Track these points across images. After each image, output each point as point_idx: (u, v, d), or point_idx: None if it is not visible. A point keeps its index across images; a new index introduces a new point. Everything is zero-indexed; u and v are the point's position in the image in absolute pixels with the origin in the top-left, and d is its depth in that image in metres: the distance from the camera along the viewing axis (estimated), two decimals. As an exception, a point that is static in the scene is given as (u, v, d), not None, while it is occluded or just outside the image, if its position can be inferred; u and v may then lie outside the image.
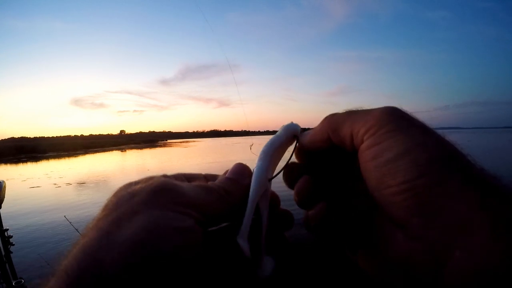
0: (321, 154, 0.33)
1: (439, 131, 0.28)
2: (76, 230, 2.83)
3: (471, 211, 0.21)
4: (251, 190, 0.32)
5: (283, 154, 0.34)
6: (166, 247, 0.23)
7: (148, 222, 0.24)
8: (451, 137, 0.28)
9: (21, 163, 24.16)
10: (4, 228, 1.87)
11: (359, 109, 0.31)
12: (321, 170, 0.33)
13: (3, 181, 1.85)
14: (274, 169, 0.34)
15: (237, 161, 0.34)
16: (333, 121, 0.31)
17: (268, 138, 0.34)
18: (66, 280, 0.21)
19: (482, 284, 0.19)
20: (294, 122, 0.35)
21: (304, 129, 0.35)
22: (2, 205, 1.81)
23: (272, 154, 0.33)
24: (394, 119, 0.27)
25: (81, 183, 11.01)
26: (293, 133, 0.34)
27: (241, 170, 0.34)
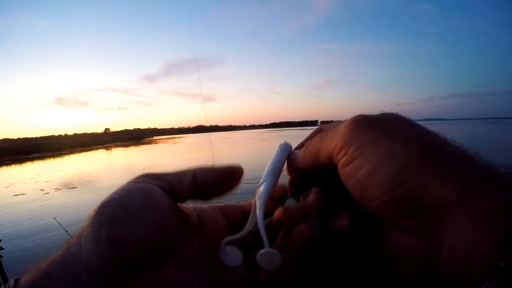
0: (313, 171, 0.34)
1: (424, 123, 0.29)
2: (66, 231, 2.72)
3: (452, 207, 0.23)
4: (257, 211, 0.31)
5: (281, 172, 0.35)
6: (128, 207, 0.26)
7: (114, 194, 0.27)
8: (439, 128, 0.29)
9: (4, 166, 23.31)
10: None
11: (329, 125, 0.33)
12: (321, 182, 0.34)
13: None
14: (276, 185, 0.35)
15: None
16: (310, 149, 0.33)
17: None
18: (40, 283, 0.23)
19: (470, 268, 0.21)
20: (287, 142, 0.37)
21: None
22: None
23: (276, 173, 0.34)
24: (358, 134, 0.28)
25: (71, 188, 10.18)
26: (288, 152, 0.36)
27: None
